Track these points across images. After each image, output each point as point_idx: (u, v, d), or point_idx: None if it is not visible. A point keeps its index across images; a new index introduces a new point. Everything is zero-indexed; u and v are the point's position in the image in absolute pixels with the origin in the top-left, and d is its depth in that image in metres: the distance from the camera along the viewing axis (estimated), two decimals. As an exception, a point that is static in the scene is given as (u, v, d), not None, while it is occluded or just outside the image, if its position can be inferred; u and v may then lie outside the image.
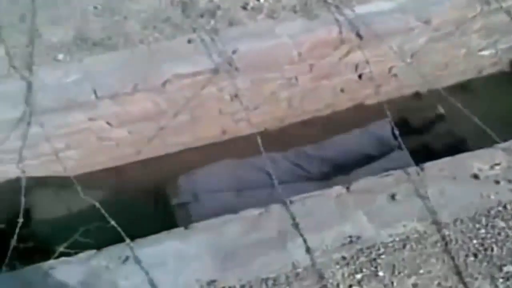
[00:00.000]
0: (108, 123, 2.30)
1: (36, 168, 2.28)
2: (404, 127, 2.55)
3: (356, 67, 2.62)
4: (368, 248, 1.78)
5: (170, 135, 2.54)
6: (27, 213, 1.92)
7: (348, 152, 2.58)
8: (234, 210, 2.22)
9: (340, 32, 2.35)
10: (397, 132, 2.26)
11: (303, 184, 2.48)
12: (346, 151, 2.58)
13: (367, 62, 2.42)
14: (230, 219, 1.87)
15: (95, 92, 2.11)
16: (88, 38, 2.20)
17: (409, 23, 2.45)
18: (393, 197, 1.88)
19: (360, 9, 2.39)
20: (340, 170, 2.51)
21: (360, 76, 2.70)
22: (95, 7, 2.31)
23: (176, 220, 2.36)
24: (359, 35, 2.37)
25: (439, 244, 1.78)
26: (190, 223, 2.27)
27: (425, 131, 2.67)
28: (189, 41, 2.24)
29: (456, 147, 2.46)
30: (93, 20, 2.26)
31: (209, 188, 2.48)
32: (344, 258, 1.77)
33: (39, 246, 1.84)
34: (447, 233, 1.80)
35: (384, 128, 2.52)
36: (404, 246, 1.78)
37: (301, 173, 2.56)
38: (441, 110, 2.72)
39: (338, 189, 1.94)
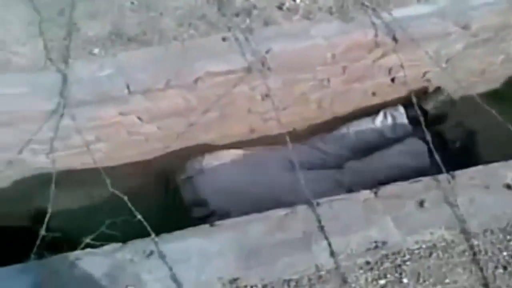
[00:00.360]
0: (139, 118, 2.33)
1: (66, 159, 2.32)
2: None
3: (390, 70, 2.59)
4: (393, 254, 1.76)
5: (198, 132, 2.56)
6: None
7: (365, 136, 2.60)
8: (242, 189, 2.31)
9: (376, 35, 2.32)
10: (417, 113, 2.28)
11: (319, 171, 2.51)
12: (363, 136, 2.60)
13: (402, 66, 2.39)
14: (255, 218, 1.88)
15: (128, 87, 2.13)
16: (123, 33, 2.22)
17: (447, 28, 2.40)
18: (421, 203, 1.86)
19: (398, 13, 2.35)
20: (358, 154, 2.55)
21: (393, 80, 2.66)
22: (132, 3, 2.34)
23: (181, 197, 2.36)
24: (394, 39, 2.33)
25: (466, 254, 1.75)
26: (196, 197, 2.32)
27: (439, 120, 2.67)
28: (224, 39, 2.24)
29: (466, 140, 2.53)
30: (129, 16, 2.29)
31: (217, 166, 2.49)
32: (368, 263, 1.76)
33: (66, 237, 1.88)
34: (475, 243, 1.77)
35: (398, 111, 2.59)
36: (430, 254, 1.76)
37: (320, 156, 2.60)
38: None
39: (365, 194, 1.92)
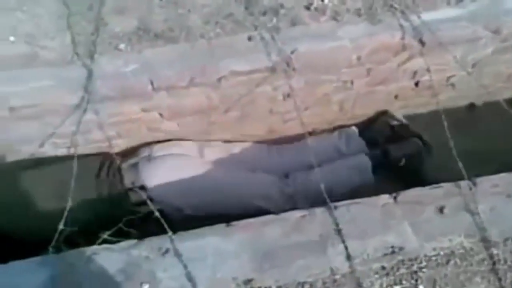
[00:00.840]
0: (160, 114, 2.35)
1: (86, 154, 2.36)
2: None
3: (414, 74, 2.55)
4: (410, 260, 1.74)
5: (218, 130, 2.58)
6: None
7: (322, 151, 2.60)
8: (187, 183, 2.30)
9: (403, 38, 2.29)
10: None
11: (265, 175, 2.54)
12: (321, 151, 2.59)
13: (428, 70, 2.35)
14: (272, 219, 1.87)
15: (152, 83, 2.15)
16: (150, 29, 2.23)
17: (476, 32, 2.35)
18: (441, 210, 1.84)
19: (427, 16, 2.31)
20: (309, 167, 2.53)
21: (416, 84, 2.63)
22: (160, -1, 2.35)
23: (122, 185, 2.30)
24: (421, 42, 2.30)
25: (485, 263, 1.73)
26: (136, 182, 2.28)
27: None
28: (249, 39, 2.24)
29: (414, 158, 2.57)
30: (157, 12, 2.29)
31: (166, 155, 2.43)
32: (384, 268, 1.74)
33: (83, 232, 1.91)
34: (495, 252, 1.74)
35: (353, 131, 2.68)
36: (448, 262, 1.74)
37: (274, 161, 2.62)
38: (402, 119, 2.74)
39: (384, 198, 1.91)
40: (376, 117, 2.80)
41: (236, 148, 2.61)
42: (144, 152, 2.44)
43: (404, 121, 2.73)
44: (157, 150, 2.44)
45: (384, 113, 2.77)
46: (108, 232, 1.81)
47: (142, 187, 2.28)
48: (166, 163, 2.38)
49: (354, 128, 2.74)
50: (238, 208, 2.31)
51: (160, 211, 2.01)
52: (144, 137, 2.49)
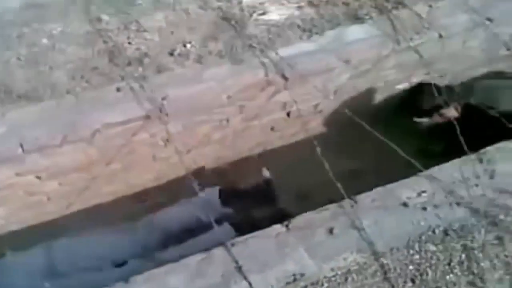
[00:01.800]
0: (37, 177, 2.25)
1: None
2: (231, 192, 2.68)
3: (284, 106, 2.73)
4: (312, 284, 1.79)
5: (102, 185, 2.52)
6: None
7: (180, 221, 2.56)
8: None
9: (266, 75, 2.46)
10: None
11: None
12: (178, 221, 2.56)
13: (295, 101, 2.53)
14: (173, 267, 1.83)
15: (21, 146, 2.06)
16: (12, 91, 2.16)
17: (330, 63, 2.60)
18: (331, 231, 1.91)
19: (284, 52, 2.51)
20: (175, 239, 2.50)
21: (288, 114, 2.81)
22: (18, 58, 2.28)
23: None
24: (284, 76, 2.48)
25: (378, 274, 1.82)
26: None
27: (249, 195, 2.75)
28: (118, 89, 2.25)
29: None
30: (17, 72, 2.23)
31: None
32: (289, 297, 1.76)
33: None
34: (385, 262, 1.84)
35: (212, 194, 2.60)
36: (346, 279, 1.81)
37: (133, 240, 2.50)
38: (266, 174, 2.80)
39: (277, 228, 1.95)
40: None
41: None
42: None
43: (268, 176, 2.77)
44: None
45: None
46: None
47: None
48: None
49: (216, 190, 2.66)
50: None
51: None
52: (23, 202, 2.35)
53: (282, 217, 2.58)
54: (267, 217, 2.58)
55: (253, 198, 2.69)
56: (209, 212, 2.39)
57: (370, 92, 2.95)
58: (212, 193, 2.59)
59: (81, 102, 2.19)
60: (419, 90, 2.75)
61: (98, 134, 2.19)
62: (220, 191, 2.60)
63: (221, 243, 1.85)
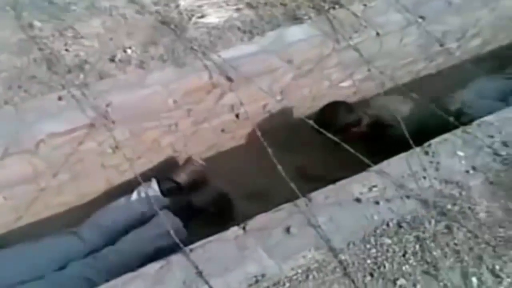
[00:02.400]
0: (-21, 192, 2.19)
1: None
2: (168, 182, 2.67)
3: (232, 107, 2.78)
4: (274, 284, 1.79)
5: (52, 196, 2.48)
6: None
7: (122, 217, 2.51)
8: None
9: (211, 77, 2.49)
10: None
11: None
12: (121, 217, 2.51)
13: (241, 103, 2.57)
14: (131, 277, 1.79)
15: (-40, 162, 2.01)
16: None
17: (273, 63, 2.67)
18: (288, 230, 1.92)
19: (226, 54, 2.55)
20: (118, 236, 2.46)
21: (237, 116, 2.86)
22: None
23: None
24: (229, 78, 2.52)
25: (338, 270, 1.83)
26: None
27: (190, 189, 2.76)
28: (60, 98, 2.23)
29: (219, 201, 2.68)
30: None
31: None
32: (252, 298, 1.77)
33: None
34: (343, 257, 1.86)
35: (151, 186, 2.59)
36: (307, 277, 1.82)
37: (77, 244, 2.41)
38: (199, 161, 2.80)
39: (235, 230, 1.94)
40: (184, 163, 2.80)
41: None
42: None
43: (203, 165, 2.78)
44: None
45: (188, 160, 2.78)
46: None
47: None
48: None
49: (154, 184, 2.61)
50: None
51: None
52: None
53: (218, 196, 2.71)
54: (203, 199, 2.66)
55: (189, 184, 2.71)
56: (151, 204, 2.39)
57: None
58: (150, 186, 2.57)
59: (22, 112, 2.15)
60: (332, 109, 2.84)
61: (43, 144, 2.16)
62: (159, 183, 2.59)
63: (178, 248, 1.84)
